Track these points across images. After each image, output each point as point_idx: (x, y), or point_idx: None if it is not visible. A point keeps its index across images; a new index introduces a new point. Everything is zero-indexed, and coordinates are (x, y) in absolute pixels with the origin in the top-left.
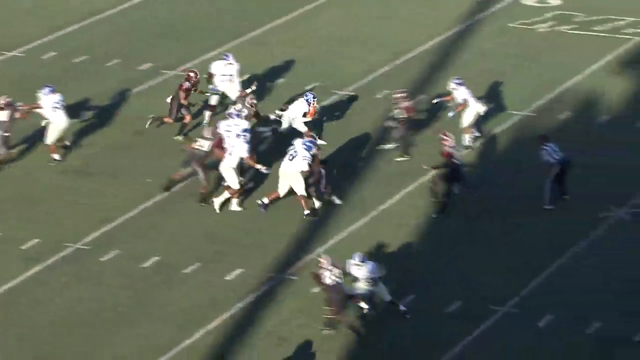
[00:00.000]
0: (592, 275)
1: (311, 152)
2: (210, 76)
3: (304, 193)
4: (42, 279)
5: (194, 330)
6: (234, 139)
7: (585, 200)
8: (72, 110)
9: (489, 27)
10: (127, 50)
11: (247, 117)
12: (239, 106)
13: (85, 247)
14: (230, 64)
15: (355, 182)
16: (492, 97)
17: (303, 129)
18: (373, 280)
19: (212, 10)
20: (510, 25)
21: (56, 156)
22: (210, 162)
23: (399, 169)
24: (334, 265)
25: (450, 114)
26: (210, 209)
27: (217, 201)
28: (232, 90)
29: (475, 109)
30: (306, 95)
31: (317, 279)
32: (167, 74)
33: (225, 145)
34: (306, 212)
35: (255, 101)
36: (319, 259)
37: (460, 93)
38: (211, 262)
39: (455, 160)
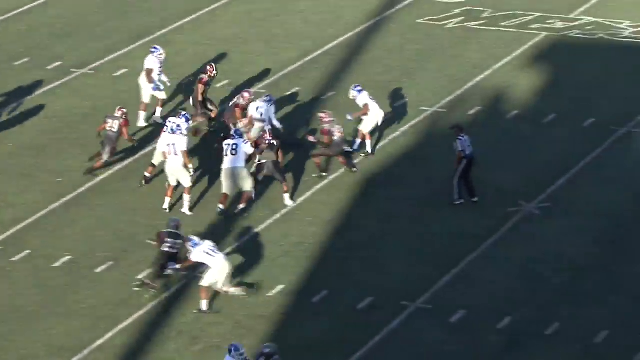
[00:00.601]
0: (503, 270)
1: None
2: (149, 72)
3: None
4: None
5: (106, 330)
6: (172, 136)
7: (495, 195)
8: None
9: (397, 23)
10: (36, 49)
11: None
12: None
13: None
14: (161, 54)
15: (265, 179)
16: (401, 93)
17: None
18: None
19: (120, 8)
20: (418, 21)
21: None
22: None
23: (309, 167)
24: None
25: (348, 116)
26: (122, 209)
27: (185, 207)
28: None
29: (377, 116)
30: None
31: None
32: (76, 72)
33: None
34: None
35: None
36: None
37: (361, 99)
38: (123, 260)
39: (335, 138)
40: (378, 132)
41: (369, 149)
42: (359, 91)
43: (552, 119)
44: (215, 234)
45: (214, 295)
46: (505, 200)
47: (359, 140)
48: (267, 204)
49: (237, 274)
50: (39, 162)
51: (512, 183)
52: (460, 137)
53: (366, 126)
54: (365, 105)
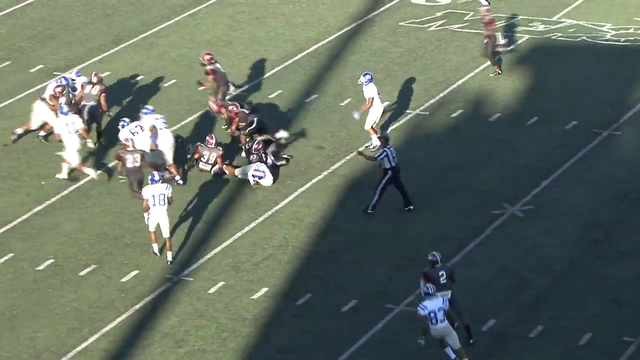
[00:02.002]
0: (486, 272)
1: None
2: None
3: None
4: None
5: (90, 333)
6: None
7: (477, 197)
8: None
9: (380, 26)
10: (18, 52)
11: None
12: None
13: None
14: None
15: (248, 182)
16: (385, 96)
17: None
18: None
19: (102, 11)
20: (401, 24)
21: None
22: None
23: (292, 169)
24: None
25: (355, 114)
26: (105, 212)
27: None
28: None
29: (378, 110)
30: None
31: None
32: (58, 75)
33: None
34: None
35: None
36: None
37: (367, 90)
38: (106, 263)
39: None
40: (361, 134)
41: (374, 141)
42: (369, 80)
43: (534, 121)
44: (198, 237)
45: (198, 298)
46: (488, 202)
47: (374, 136)
48: (250, 207)
49: (220, 277)
50: (23, 165)
51: (495, 185)
52: (387, 149)
53: (369, 121)
54: (371, 99)
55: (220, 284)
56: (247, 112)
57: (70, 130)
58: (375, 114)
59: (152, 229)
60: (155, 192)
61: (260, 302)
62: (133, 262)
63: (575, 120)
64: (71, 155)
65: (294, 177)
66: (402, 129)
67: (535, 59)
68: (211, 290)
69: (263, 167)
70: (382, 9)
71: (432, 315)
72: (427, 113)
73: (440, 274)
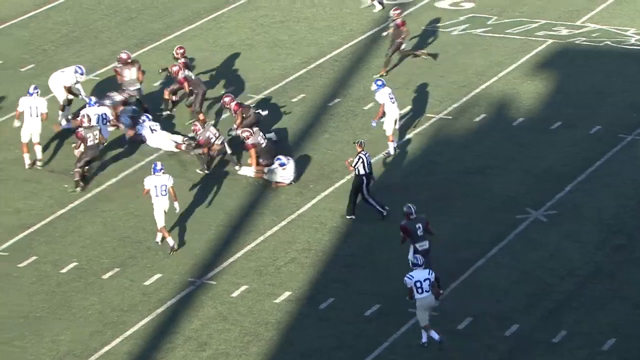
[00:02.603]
0: (509, 277)
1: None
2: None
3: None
4: None
5: (113, 336)
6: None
7: (502, 202)
8: None
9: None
10: (41, 56)
11: None
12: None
13: (3, 254)
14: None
15: (271, 186)
16: (408, 100)
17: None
18: None
19: (125, 14)
20: (424, 28)
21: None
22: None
23: (315, 173)
24: None
25: (373, 123)
26: (128, 215)
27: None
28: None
29: (393, 114)
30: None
31: None
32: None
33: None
34: None
35: None
36: None
37: (379, 96)
38: (129, 266)
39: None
40: (385, 139)
41: (390, 149)
42: (379, 86)
43: (557, 126)
44: (221, 240)
45: (221, 301)
46: (512, 207)
47: (391, 144)
48: (273, 210)
49: (243, 280)
50: (46, 168)
51: (518, 190)
52: (362, 155)
53: (387, 127)
54: (382, 105)
55: (243, 287)
56: (249, 106)
57: (33, 112)
58: (390, 120)
59: (162, 223)
60: (157, 183)
61: (283, 305)
62: (156, 265)
63: (598, 125)
64: (23, 135)
65: (317, 181)
66: (425, 133)
67: (558, 63)
68: (234, 294)
69: (284, 158)
70: (405, 13)
71: (418, 284)
72: (450, 117)
73: (417, 226)
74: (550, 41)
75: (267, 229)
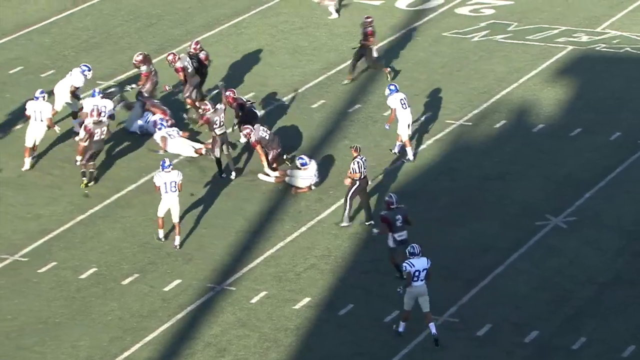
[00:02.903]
0: (529, 283)
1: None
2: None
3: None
4: None
5: (132, 342)
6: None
7: (521, 208)
8: (9, 120)
9: (423, 36)
10: (62, 62)
11: None
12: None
13: (23, 259)
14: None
15: (291, 192)
16: (428, 106)
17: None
18: None
19: (145, 20)
20: (444, 34)
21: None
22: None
23: (335, 179)
24: None
25: (386, 126)
26: (148, 221)
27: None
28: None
29: (404, 119)
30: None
31: None
32: (101, 84)
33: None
34: None
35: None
36: None
37: (390, 101)
38: (149, 272)
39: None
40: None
41: (410, 156)
42: (392, 91)
43: (578, 132)
44: (241, 246)
45: (240, 307)
46: (531, 213)
47: (398, 144)
48: (292, 216)
49: (262, 286)
50: (66, 174)
51: (538, 196)
52: (359, 159)
53: (400, 131)
54: (393, 110)
55: (263, 293)
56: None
57: (37, 117)
58: (402, 125)
59: (160, 214)
60: (167, 180)
61: (302, 312)
62: (175, 271)
63: (618, 132)
64: (27, 139)
65: (336, 188)
66: (445, 139)
67: (578, 70)
68: (254, 300)
69: (306, 157)
70: (426, 19)
71: (417, 273)
72: (470, 124)
73: (397, 217)
74: (570, 47)
75: (286, 235)
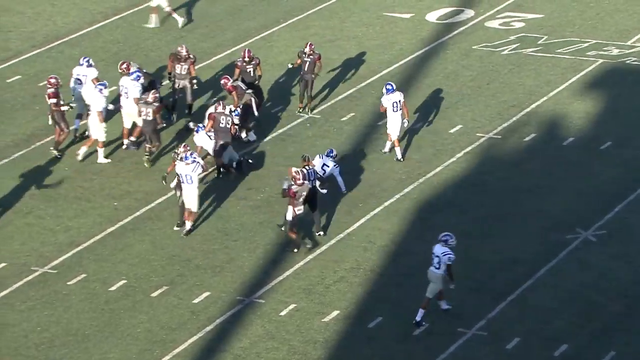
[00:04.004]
0: (558, 297)
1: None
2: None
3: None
4: (9, 303)
5: (161, 354)
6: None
7: (551, 221)
8: (39, 133)
9: (453, 49)
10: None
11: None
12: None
13: (52, 271)
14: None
15: (321, 205)
16: (457, 119)
17: None
18: None
19: (174, 33)
20: (474, 47)
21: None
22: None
23: (365, 192)
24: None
25: (405, 121)
26: (177, 233)
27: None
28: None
29: (393, 121)
30: None
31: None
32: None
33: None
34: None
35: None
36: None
37: (383, 100)
38: (178, 285)
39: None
40: (434, 158)
41: (398, 155)
42: (388, 90)
43: (608, 145)
44: (270, 259)
45: (269, 320)
46: (561, 227)
47: (388, 143)
48: (321, 229)
49: (291, 299)
50: (95, 186)
51: (568, 210)
52: (308, 169)
53: (390, 131)
54: (384, 109)
55: (292, 306)
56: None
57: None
58: (392, 124)
59: (181, 203)
60: (183, 172)
61: (331, 324)
62: (204, 283)
63: None
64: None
65: (366, 201)
66: (474, 152)
67: (609, 83)
68: (283, 313)
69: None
70: (456, 32)
71: (435, 259)
72: (499, 137)
73: (302, 193)
74: (600, 61)
75: (316, 248)
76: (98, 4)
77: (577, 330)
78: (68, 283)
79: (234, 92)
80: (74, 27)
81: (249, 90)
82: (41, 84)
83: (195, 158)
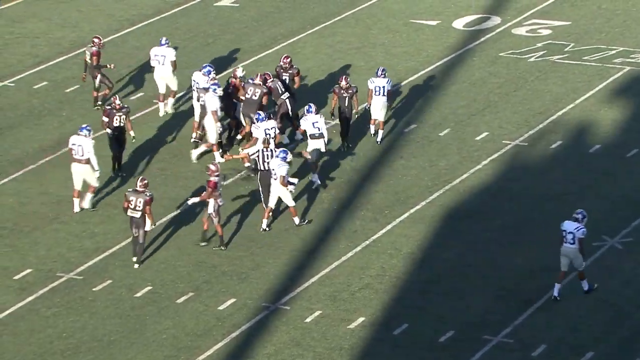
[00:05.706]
0: (585, 304)
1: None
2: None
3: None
4: (34, 309)
5: None
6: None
7: None
8: (65, 139)
9: (480, 56)
10: (117, 81)
11: None
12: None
13: (78, 277)
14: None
15: (346, 211)
16: (484, 126)
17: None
18: None
19: (202, 40)
20: (501, 54)
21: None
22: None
23: (391, 199)
24: None
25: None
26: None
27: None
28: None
29: (376, 104)
30: None
31: None
32: (157, 103)
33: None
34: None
35: None
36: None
37: (370, 83)
38: (203, 291)
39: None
40: (460, 165)
41: (378, 137)
42: (377, 76)
43: (635, 153)
44: (296, 265)
45: (294, 326)
46: (588, 234)
47: (372, 126)
48: (347, 236)
49: (317, 305)
50: (122, 192)
51: (595, 217)
52: (263, 151)
53: (374, 115)
54: (370, 91)
55: (317, 312)
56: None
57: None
58: (374, 107)
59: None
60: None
61: (357, 331)
62: (230, 290)
63: None
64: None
65: (392, 207)
66: (501, 159)
67: (635, 90)
68: (308, 319)
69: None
70: (482, 39)
71: (568, 235)
72: (526, 144)
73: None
74: (627, 68)
75: (341, 255)
76: (125, 11)
77: (604, 338)
78: (94, 289)
79: (241, 86)
80: (100, 33)
81: (286, 94)
82: (67, 90)
83: (286, 156)
